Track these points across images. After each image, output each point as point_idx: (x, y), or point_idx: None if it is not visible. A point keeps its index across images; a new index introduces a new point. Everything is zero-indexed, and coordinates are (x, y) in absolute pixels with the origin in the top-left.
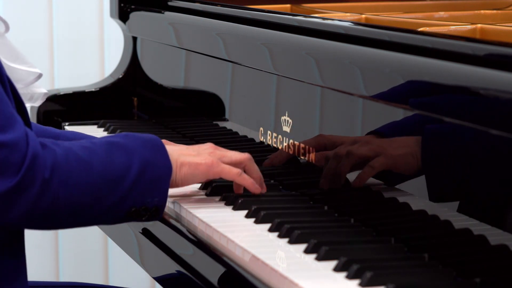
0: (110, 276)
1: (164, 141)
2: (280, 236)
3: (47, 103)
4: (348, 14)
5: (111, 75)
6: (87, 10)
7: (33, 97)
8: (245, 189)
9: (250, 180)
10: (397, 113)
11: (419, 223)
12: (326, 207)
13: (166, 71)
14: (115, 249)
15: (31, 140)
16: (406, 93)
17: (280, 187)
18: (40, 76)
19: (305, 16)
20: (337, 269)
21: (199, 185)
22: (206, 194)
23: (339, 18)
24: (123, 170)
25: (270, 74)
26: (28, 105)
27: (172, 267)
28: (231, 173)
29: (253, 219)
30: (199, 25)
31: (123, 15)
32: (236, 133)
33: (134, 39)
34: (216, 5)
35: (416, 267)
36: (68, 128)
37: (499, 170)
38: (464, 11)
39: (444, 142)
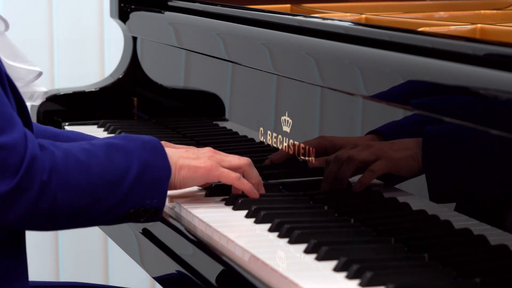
0: (110, 276)
1: (163, 142)
2: (280, 236)
3: (47, 103)
4: (348, 14)
5: (111, 75)
6: (87, 10)
7: (33, 95)
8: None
9: (249, 185)
10: (397, 113)
11: (419, 223)
12: (326, 207)
13: (166, 71)
14: (115, 249)
15: (30, 142)
16: (406, 93)
17: (280, 187)
18: (40, 74)
19: (305, 16)
20: (337, 269)
21: None
22: (206, 194)
23: (339, 18)
24: (122, 171)
25: (270, 74)
26: (28, 104)
27: (172, 267)
28: (230, 177)
29: (253, 219)
30: (199, 25)
31: (123, 15)
32: (236, 133)
33: (134, 39)
34: (216, 5)
35: (416, 267)
36: (68, 128)
37: (499, 170)
38: (464, 11)
39: (444, 143)
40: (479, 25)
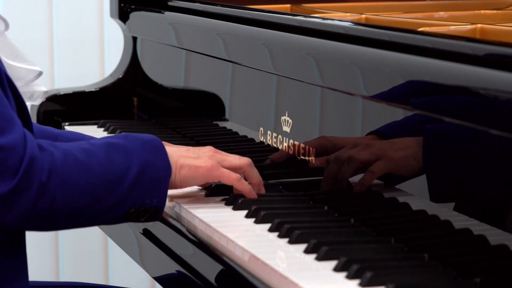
0: (110, 276)
1: (163, 142)
2: (280, 236)
3: (47, 103)
4: (348, 14)
5: (111, 75)
6: (87, 10)
7: (33, 95)
8: None
9: (248, 187)
10: (397, 113)
11: (419, 223)
12: (326, 207)
13: (166, 71)
14: (115, 249)
15: (29, 142)
16: (406, 93)
17: (280, 187)
18: (40, 74)
19: (305, 16)
20: (337, 269)
21: None
22: (206, 194)
23: (339, 18)
24: (122, 171)
25: (270, 74)
26: (28, 104)
27: (172, 267)
28: (231, 178)
29: (253, 219)
30: (199, 25)
31: (123, 15)
32: (236, 133)
33: (134, 39)
34: (216, 5)
35: (416, 267)
36: (68, 128)
37: (499, 170)
38: (464, 11)
39: (445, 142)
40: (479, 25)
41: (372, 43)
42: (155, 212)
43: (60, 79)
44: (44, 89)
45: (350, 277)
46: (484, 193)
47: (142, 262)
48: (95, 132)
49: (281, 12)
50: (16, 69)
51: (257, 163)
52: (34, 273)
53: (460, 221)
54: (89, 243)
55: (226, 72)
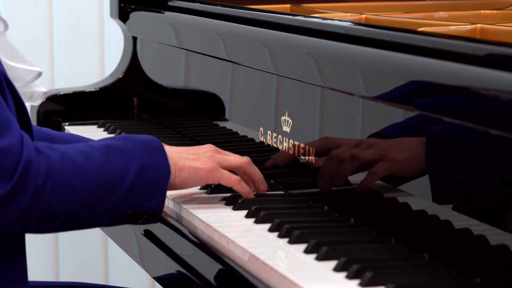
0: (110, 276)
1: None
2: (280, 236)
3: (47, 103)
4: (348, 14)
5: (111, 75)
6: (87, 10)
7: (33, 96)
8: None
9: (247, 189)
10: (397, 114)
11: (419, 223)
12: (326, 207)
13: (166, 71)
14: (115, 249)
15: (26, 145)
16: (406, 93)
17: (280, 187)
18: (39, 74)
19: (305, 16)
20: (337, 269)
21: None
22: (206, 194)
23: (339, 18)
24: (121, 173)
25: (270, 74)
26: (27, 104)
27: (172, 267)
28: (230, 180)
29: (253, 219)
30: (199, 25)
31: (123, 15)
32: (236, 133)
33: (134, 39)
34: (216, 5)
35: (416, 267)
36: (68, 128)
37: (499, 170)
38: (464, 11)
39: (448, 142)
40: (479, 25)
41: (372, 43)
42: (154, 214)
43: (60, 79)
44: (44, 89)
45: (350, 277)
46: (485, 193)
47: (142, 262)
48: (95, 132)
49: (281, 12)
50: (16, 70)
51: (257, 163)
52: (34, 273)
53: (460, 221)
54: (89, 243)
55: (226, 72)
